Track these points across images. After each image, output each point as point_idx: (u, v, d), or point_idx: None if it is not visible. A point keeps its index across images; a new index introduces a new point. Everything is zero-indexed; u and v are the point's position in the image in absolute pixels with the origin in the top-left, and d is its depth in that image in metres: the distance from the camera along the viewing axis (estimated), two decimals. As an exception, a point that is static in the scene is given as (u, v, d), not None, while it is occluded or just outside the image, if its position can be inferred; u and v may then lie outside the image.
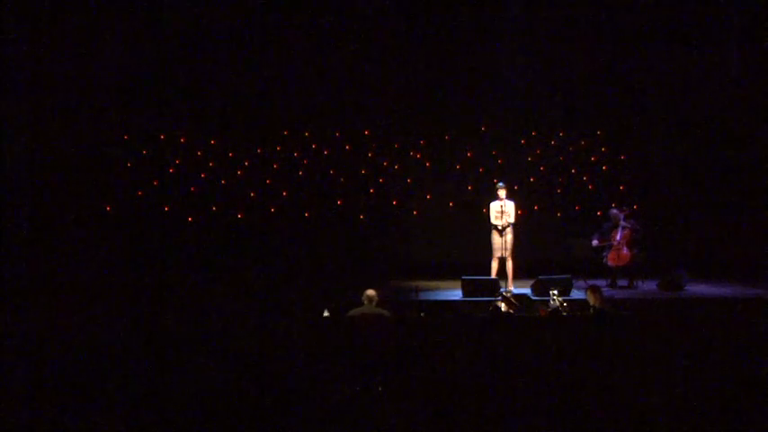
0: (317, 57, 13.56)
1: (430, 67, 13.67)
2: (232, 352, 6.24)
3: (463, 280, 10.19)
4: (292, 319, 7.40)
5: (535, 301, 9.39)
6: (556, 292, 8.38)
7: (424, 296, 10.25)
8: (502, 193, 10.58)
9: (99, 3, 12.90)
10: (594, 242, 11.28)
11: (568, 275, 10.34)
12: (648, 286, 11.05)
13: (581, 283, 10.77)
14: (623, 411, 5.43)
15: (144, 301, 9.87)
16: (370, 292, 7.63)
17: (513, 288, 10.40)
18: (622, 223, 11.17)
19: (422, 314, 9.22)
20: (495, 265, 10.57)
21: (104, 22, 13.03)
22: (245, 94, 13.52)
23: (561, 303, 8.16)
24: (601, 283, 10.69)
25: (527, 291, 10.13)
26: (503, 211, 10.52)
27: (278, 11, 13.36)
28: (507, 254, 10.44)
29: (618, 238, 11.11)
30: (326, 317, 7.61)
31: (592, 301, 7.88)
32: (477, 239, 11.27)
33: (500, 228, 10.49)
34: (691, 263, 11.72)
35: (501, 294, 9.33)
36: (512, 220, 10.51)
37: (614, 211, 11.48)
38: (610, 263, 11.13)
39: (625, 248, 11.08)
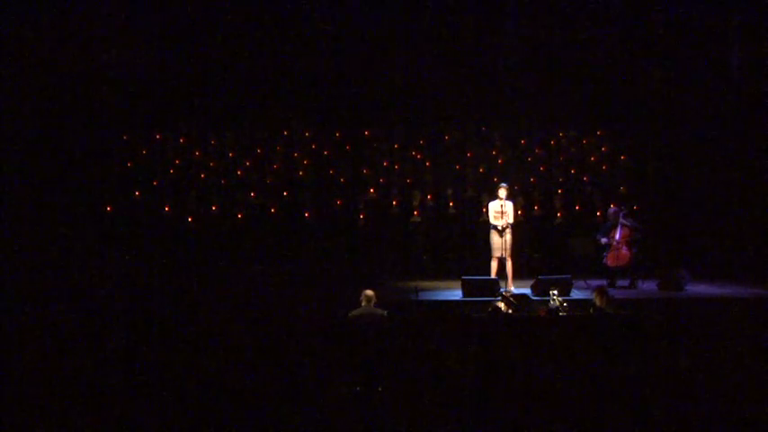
0: (316, 56, 13.57)
1: (430, 67, 13.67)
2: (232, 352, 6.24)
3: (463, 280, 10.18)
4: (292, 319, 7.40)
5: (535, 301, 9.38)
6: (556, 292, 8.38)
7: (423, 296, 10.24)
8: (502, 192, 10.55)
9: (99, 2, 12.93)
10: (604, 240, 11.22)
11: (568, 275, 10.34)
12: (648, 286, 11.04)
13: (581, 283, 10.77)
14: (623, 411, 5.43)
15: (144, 301, 9.86)
16: (369, 292, 7.63)
17: (513, 288, 10.39)
18: (621, 221, 11.14)
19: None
20: (494, 265, 10.56)
21: (105, 21, 13.04)
22: (246, 94, 13.53)
23: (561, 303, 8.16)
24: (601, 283, 10.68)
25: (527, 291, 10.12)
26: (502, 211, 10.50)
27: (278, 10, 13.38)
28: (507, 254, 10.43)
29: (617, 237, 11.08)
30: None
31: (598, 302, 7.88)
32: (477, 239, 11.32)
33: (500, 228, 10.47)
34: (691, 263, 11.70)
35: (501, 294, 9.32)
36: (511, 220, 10.50)
37: (613, 209, 11.46)
38: (609, 263, 11.11)
39: (624, 248, 11.06)
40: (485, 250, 10.79)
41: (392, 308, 8.06)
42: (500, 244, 10.47)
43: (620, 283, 11.13)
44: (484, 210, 11.13)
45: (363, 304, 7.57)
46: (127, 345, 6.39)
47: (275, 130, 13.70)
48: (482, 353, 6.22)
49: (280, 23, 13.47)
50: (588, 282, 10.88)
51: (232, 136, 13.71)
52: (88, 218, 12.63)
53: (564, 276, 10.15)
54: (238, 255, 12.85)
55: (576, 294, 9.94)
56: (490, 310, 8.17)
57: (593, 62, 13.51)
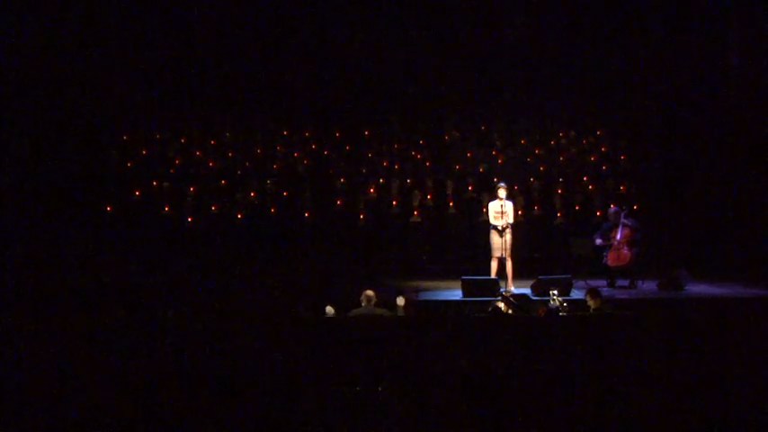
0: (316, 57, 13.59)
1: (430, 67, 13.70)
2: (232, 352, 6.24)
3: (463, 280, 10.17)
4: (292, 319, 7.39)
5: (535, 301, 9.38)
6: (556, 292, 8.37)
7: (423, 296, 10.24)
8: (502, 192, 10.54)
9: (99, 4, 12.96)
10: (598, 241, 11.21)
11: (568, 275, 10.33)
12: (648, 286, 11.02)
13: (581, 283, 10.76)
14: (623, 411, 5.42)
15: (144, 302, 9.86)
16: (369, 292, 7.64)
17: (513, 288, 10.38)
18: (623, 221, 11.10)
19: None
20: (494, 265, 10.55)
21: (104, 22, 13.07)
22: (245, 94, 13.54)
23: (561, 303, 8.15)
24: (601, 283, 10.67)
25: (527, 291, 10.12)
26: (502, 211, 10.49)
27: (278, 11, 13.41)
28: (507, 254, 10.42)
29: (618, 237, 11.05)
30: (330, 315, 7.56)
31: (593, 305, 7.87)
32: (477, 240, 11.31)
33: (500, 228, 10.46)
34: (691, 263, 11.70)
35: (501, 294, 9.31)
36: (511, 220, 10.49)
37: (614, 209, 11.44)
38: (609, 263, 11.07)
39: (626, 248, 11.02)
40: (485, 250, 10.78)
41: (391, 308, 8.06)
42: (500, 244, 10.45)
43: (620, 283, 11.11)
44: (484, 210, 11.11)
45: (364, 304, 7.58)
46: (126, 345, 6.38)
47: (275, 130, 13.71)
48: (482, 353, 6.22)
49: (280, 23, 13.50)
50: (588, 282, 10.87)
51: (232, 136, 13.72)
52: (88, 218, 12.63)
53: (564, 276, 10.15)
54: (238, 255, 12.83)
55: (576, 294, 9.94)
56: (490, 310, 8.16)
57: (594, 62, 13.54)
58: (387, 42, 13.64)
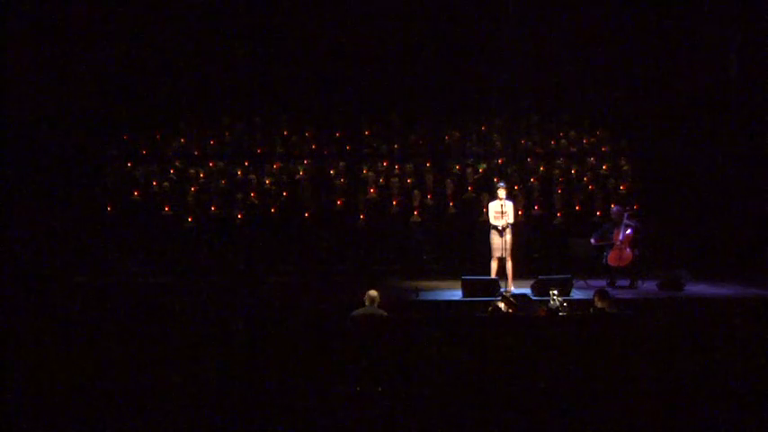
0: (316, 57, 13.59)
1: (431, 68, 13.70)
2: (232, 352, 6.24)
3: (463, 280, 10.17)
4: (292, 318, 7.40)
5: (535, 301, 9.37)
6: (556, 292, 8.37)
7: (423, 296, 10.25)
8: (502, 193, 10.55)
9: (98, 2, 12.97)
10: (593, 241, 11.23)
11: (568, 275, 10.33)
12: (648, 286, 11.03)
13: (581, 283, 10.76)
14: (623, 411, 5.43)
15: (144, 301, 9.87)
16: (372, 292, 7.65)
17: (513, 288, 10.38)
18: (626, 221, 11.08)
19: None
20: (494, 265, 10.55)
21: (103, 21, 13.07)
22: (245, 93, 13.54)
23: (561, 303, 8.15)
24: (601, 283, 10.67)
25: (527, 291, 10.12)
26: (503, 211, 10.49)
27: (278, 11, 13.42)
28: (507, 254, 10.42)
29: (620, 237, 11.03)
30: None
31: (600, 305, 7.87)
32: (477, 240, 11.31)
33: (500, 228, 10.47)
34: (691, 263, 11.70)
35: (501, 294, 9.32)
36: (511, 220, 10.49)
37: (617, 208, 11.42)
38: (610, 263, 11.07)
39: (628, 248, 11.01)
40: (485, 250, 10.78)
41: (392, 308, 8.07)
42: (500, 244, 10.46)
43: (620, 282, 11.11)
44: (484, 210, 11.12)
45: (367, 304, 7.58)
46: (126, 345, 6.39)
47: (275, 130, 13.71)
48: (482, 353, 6.22)
49: (280, 23, 13.50)
50: (589, 282, 10.88)
51: (232, 136, 13.72)
52: (88, 218, 12.63)
53: (564, 276, 10.14)
54: (238, 255, 12.83)
55: (576, 294, 9.94)
56: (490, 309, 8.17)
57: (594, 62, 13.54)
58: (387, 42, 13.63)
